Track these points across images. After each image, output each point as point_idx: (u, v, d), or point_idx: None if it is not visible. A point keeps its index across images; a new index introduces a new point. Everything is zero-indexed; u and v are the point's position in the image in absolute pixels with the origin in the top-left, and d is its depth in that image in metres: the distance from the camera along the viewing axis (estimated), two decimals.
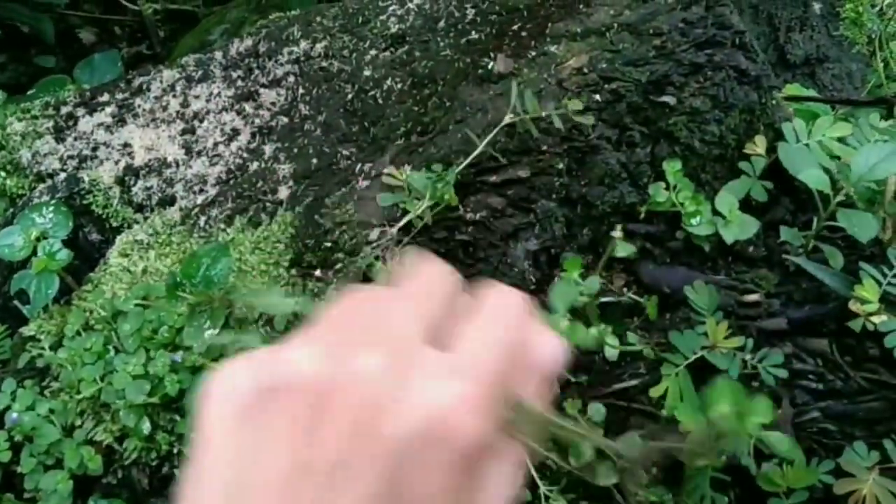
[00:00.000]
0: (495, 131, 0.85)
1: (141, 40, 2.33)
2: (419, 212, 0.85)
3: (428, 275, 0.38)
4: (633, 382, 0.83)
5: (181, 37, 2.09)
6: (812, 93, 1.24)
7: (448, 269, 0.38)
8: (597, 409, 0.81)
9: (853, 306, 0.76)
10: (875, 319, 0.74)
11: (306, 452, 0.30)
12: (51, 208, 1.06)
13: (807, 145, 0.86)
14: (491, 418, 0.32)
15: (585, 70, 0.91)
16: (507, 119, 0.85)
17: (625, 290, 0.91)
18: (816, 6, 1.73)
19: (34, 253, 1.01)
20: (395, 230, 0.88)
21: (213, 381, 0.33)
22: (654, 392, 0.75)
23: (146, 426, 0.88)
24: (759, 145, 0.89)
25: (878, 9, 1.61)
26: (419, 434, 0.30)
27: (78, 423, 0.92)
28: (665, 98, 0.90)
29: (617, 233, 0.78)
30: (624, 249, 0.78)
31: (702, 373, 0.79)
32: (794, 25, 1.72)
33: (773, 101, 0.91)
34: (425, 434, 0.30)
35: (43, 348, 0.96)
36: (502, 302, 0.36)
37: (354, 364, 0.32)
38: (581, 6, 0.97)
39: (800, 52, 1.72)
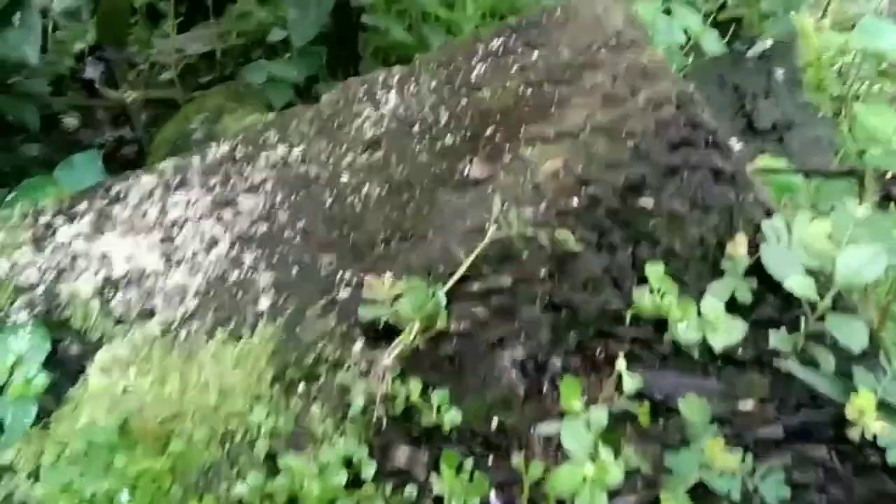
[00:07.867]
0: (480, 247, 0.84)
1: (123, 124, 2.36)
2: (413, 335, 0.83)
3: None
4: (631, 499, 0.80)
5: (162, 122, 2.11)
6: (784, 162, 1.24)
7: None
8: None
9: (850, 414, 0.74)
10: (875, 429, 0.72)
11: None
12: (28, 330, 1.04)
13: (788, 246, 0.85)
14: None
15: (561, 174, 0.91)
16: (491, 234, 0.84)
17: (616, 396, 0.89)
18: (779, 73, 1.76)
19: (10, 376, 0.99)
20: (382, 351, 0.86)
21: None
22: None
23: None
24: (739, 245, 0.88)
25: (837, 67, 1.63)
26: None
27: None
28: (643, 201, 0.89)
29: (621, 362, 0.76)
30: (632, 385, 0.76)
31: (701, 489, 0.76)
32: (758, 93, 1.75)
33: (751, 198, 0.90)
34: None
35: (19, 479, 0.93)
36: None
37: None
38: (553, 108, 0.97)
39: (766, 118, 1.74)
